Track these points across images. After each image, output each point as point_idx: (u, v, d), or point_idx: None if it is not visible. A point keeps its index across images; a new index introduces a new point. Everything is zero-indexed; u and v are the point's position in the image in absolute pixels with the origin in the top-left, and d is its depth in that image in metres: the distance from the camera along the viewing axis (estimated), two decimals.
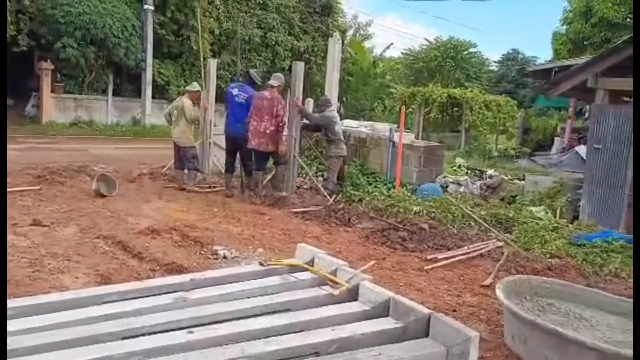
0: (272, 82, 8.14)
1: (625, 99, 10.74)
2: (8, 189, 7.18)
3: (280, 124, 7.91)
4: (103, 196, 7.26)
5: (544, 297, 3.79)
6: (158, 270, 4.48)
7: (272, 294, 3.50)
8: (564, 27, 25.78)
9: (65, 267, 4.36)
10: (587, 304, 3.74)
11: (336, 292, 3.51)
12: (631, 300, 3.82)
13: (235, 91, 8.30)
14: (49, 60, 17.52)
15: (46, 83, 17.66)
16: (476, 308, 4.20)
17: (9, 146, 11.86)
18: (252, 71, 8.92)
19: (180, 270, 4.40)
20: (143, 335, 2.61)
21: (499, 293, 3.47)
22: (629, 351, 2.95)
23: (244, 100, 8.15)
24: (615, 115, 7.89)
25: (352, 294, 3.56)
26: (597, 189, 8.00)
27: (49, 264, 4.40)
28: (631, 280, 5.34)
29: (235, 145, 8.33)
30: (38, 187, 7.56)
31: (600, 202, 7.97)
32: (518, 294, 3.76)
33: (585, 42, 24.20)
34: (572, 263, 5.59)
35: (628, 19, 23.23)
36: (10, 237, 5.03)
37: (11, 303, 2.65)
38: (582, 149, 13.71)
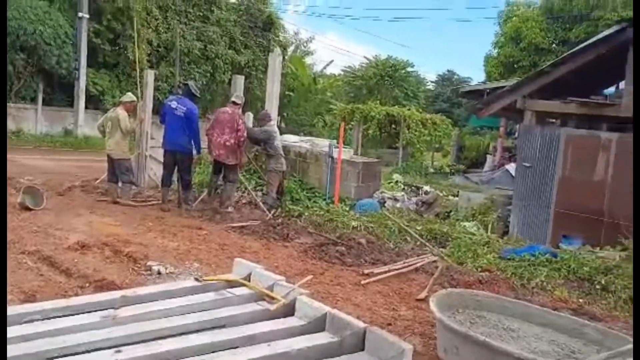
0: (234, 99, 8.43)
1: (551, 120, 11.38)
2: None
3: (241, 139, 8.10)
4: (29, 209, 6.90)
5: (475, 310, 3.90)
6: (87, 287, 4.28)
7: (208, 310, 3.43)
8: (496, 50, 27.07)
9: None
10: (516, 316, 3.88)
11: (273, 308, 3.49)
12: (555, 312, 4.00)
13: (174, 104, 8.13)
14: None
15: None
16: (411, 321, 4.27)
17: None
18: (190, 83, 8.76)
19: (111, 287, 4.23)
20: (67, 356, 2.48)
21: (432, 306, 3.54)
22: None
23: (183, 113, 7.99)
24: (542, 135, 8.32)
25: (289, 309, 3.54)
26: (525, 205, 8.38)
27: None
28: (557, 292, 5.60)
29: (173, 159, 8.15)
30: None
31: (528, 217, 8.35)
32: (451, 307, 3.86)
33: (515, 65, 25.51)
34: (502, 276, 5.80)
35: (554, 45, 24.71)
36: None
37: None
38: (512, 167, 14.35)
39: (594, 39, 8.87)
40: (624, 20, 9.34)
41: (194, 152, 8.27)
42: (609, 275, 5.88)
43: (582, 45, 8.97)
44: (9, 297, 3.87)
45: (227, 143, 8.02)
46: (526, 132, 8.59)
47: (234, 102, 8.32)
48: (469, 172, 17.21)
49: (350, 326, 3.23)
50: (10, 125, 17.54)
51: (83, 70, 18.73)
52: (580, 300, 5.49)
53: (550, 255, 6.60)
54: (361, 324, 3.26)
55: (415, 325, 4.18)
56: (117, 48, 19.65)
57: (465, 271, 5.90)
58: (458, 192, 10.68)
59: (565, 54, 9.06)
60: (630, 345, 3.00)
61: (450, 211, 9.55)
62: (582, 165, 7.92)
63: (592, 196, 7.76)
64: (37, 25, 16.63)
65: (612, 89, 11.34)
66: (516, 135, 18.73)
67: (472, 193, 10.31)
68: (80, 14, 18.34)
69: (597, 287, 5.77)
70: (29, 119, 18.27)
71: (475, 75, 77.52)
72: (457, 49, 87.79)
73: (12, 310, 2.91)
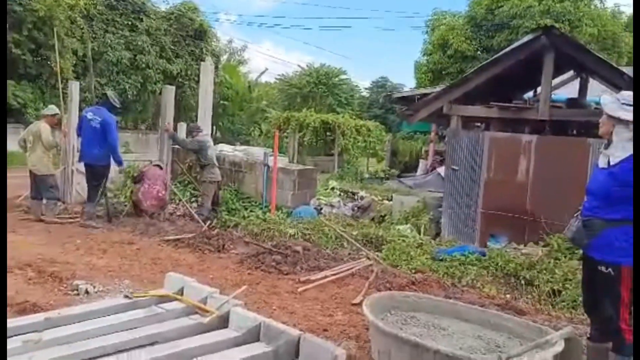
0: (158, 162, 8.96)
1: (477, 124, 11.89)
2: None
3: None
4: None
5: (406, 311, 4.01)
6: (9, 311, 4.06)
7: (138, 327, 3.35)
8: (425, 57, 27.95)
9: None
10: (445, 314, 4.02)
11: (205, 320, 3.45)
12: (481, 308, 4.18)
13: (90, 115, 7.84)
14: None
15: None
16: (346, 326, 4.32)
17: None
18: (109, 93, 8.46)
19: (35, 309, 4.03)
20: None
21: (365, 309, 3.61)
22: (478, 356, 3.23)
23: (98, 124, 7.71)
24: (469, 139, 8.67)
25: (223, 321, 3.51)
26: (454, 206, 8.70)
27: None
28: (485, 289, 5.85)
29: (92, 172, 7.86)
30: None
31: (457, 219, 8.67)
32: (383, 309, 3.95)
33: (443, 72, 26.43)
34: (434, 277, 5.99)
35: (478, 52, 25.80)
36: None
37: None
38: (443, 170, 14.86)
39: (513, 46, 9.37)
40: (540, 27, 9.90)
41: (116, 165, 7.99)
42: (532, 270, 6.21)
43: (502, 53, 9.44)
44: None
45: (160, 194, 8.44)
46: (453, 136, 8.92)
47: (159, 166, 8.82)
48: (403, 177, 17.63)
49: (284, 335, 3.24)
50: None
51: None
52: (507, 295, 5.76)
53: (479, 254, 6.89)
54: (295, 332, 3.28)
55: (350, 329, 4.24)
56: (39, 59, 18.80)
57: (399, 273, 6.04)
58: (392, 196, 10.93)
59: (486, 61, 9.49)
60: (550, 336, 3.18)
61: (385, 215, 9.77)
62: (505, 167, 8.31)
63: (515, 196, 8.16)
64: None
65: (530, 93, 11.98)
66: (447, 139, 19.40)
67: (405, 197, 10.59)
68: None
69: (522, 282, 6.08)
70: None
71: (407, 81, 79.81)
72: (389, 55, 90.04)
73: None
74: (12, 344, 2.85)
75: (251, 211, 9.17)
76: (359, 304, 4.93)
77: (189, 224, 8.13)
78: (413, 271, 6.27)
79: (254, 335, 3.30)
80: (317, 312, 4.68)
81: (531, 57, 8.38)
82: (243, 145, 17.69)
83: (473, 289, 5.83)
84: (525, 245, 7.52)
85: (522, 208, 8.09)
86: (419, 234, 8.44)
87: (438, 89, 15.36)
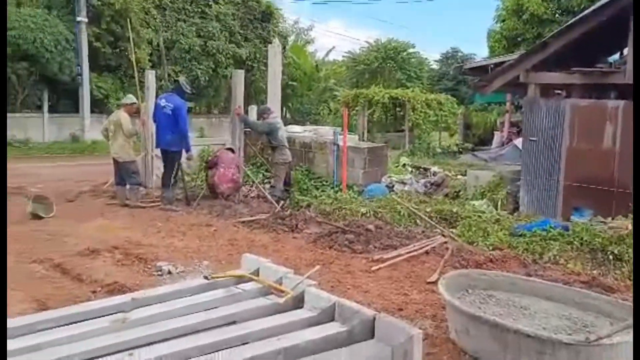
0: (231, 146, 9.07)
1: (557, 91, 11.24)
2: None
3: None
4: (40, 218, 6.97)
5: (484, 289, 3.89)
6: (99, 291, 4.33)
7: (217, 307, 3.45)
8: (498, 24, 26.70)
9: None
10: (526, 293, 3.87)
11: (281, 301, 3.50)
12: (565, 286, 3.98)
13: (162, 102, 8.12)
14: None
15: None
16: (422, 305, 4.26)
17: None
18: (181, 79, 8.70)
19: (122, 290, 4.27)
20: None
21: (441, 289, 3.54)
22: (563, 336, 3.07)
23: (170, 110, 7.94)
24: (547, 108, 8.22)
25: (298, 301, 3.55)
26: (534, 180, 8.31)
27: None
28: (569, 266, 5.57)
29: (167, 157, 8.16)
30: None
31: (537, 192, 8.28)
32: (460, 288, 3.85)
33: (518, 39, 25.15)
34: (513, 253, 5.77)
35: (557, 15, 24.33)
36: None
37: None
38: (520, 142, 14.24)
39: (595, 6, 8.71)
40: None
41: (183, 150, 8.17)
42: (621, 244, 5.83)
43: (584, 13, 8.82)
44: (22, 306, 3.93)
45: (234, 177, 8.62)
46: (530, 105, 8.49)
47: (230, 149, 9.01)
48: (477, 150, 17.08)
49: (359, 314, 3.23)
50: (18, 134, 17.70)
51: (86, 74, 18.81)
52: (594, 272, 5.45)
53: (561, 228, 6.57)
54: (370, 312, 3.26)
55: (426, 308, 4.18)
56: (118, 50, 19.69)
57: (476, 251, 5.88)
58: (466, 171, 10.61)
59: (566, 24, 8.91)
60: None
61: (459, 191, 9.51)
62: (589, 136, 7.82)
63: (601, 166, 7.68)
64: (37, 33, 16.70)
65: (616, 56, 11.14)
66: (523, 109, 18.54)
67: (480, 171, 10.25)
68: (79, 19, 18.38)
69: (610, 257, 5.73)
70: (36, 127, 18.41)
71: (479, 51, 76.67)
72: (459, 26, 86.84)
73: (24, 320, 2.95)
74: (102, 323, 3.02)
75: (322, 191, 9.21)
76: (435, 283, 4.85)
77: (262, 205, 8.29)
78: (490, 248, 6.08)
79: (328, 315, 3.32)
80: (391, 291, 4.65)
81: (617, 16, 7.76)
82: (312, 125, 17.79)
83: (556, 266, 5.58)
84: (612, 219, 7.07)
85: (608, 179, 7.60)
86: (496, 209, 8.16)
87: (513, 56, 14.68)
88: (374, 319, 3.12)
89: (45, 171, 12.32)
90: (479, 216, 7.43)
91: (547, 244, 6.16)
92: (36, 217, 7.00)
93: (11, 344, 2.59)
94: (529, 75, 8.46)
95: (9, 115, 17.71)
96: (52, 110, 18.98)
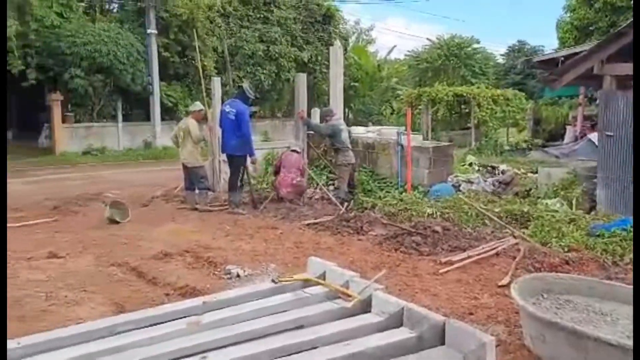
0: (295, 147, 9.10)
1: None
2: (24, 223, 7.30)
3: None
4: (117, 223, 7.32)
5: (561, 294, 3.72)
6: (172, 294, 4.49)
7: (285, 311, 3.49)
8: (568, 14, 25.53)
9: (80, 298, 4.39)
10: (606, 297, 3.66)
11: (349, 305, 3.49)
12: None
13: (227, 108, 8.31)
14: (58, 92, 17.82)
15: (57, 114, 17.96)
16: (494, 309, 4.13)
17: (24, 179, 12.08)
18: (245, 85, 8.84)
19: (194, 293, 4.41)
20: None
21: (514, 293, 3.42)
22: None
23: (234, 116, 8.10)
24: (625, 101, 7.76)
25: (365, 306, 3.53)
26: (611, 176, 7.87)
27: (65, 296, 4.43)
28: None
29: (232, 162, 8.34)
30: (53, 219, 7.66)
31: (616, 189, 7.84)
32: (534, 292, 3.70)
33: (590, 28, 23.93)
34: (590, 255, 5.49)
35: (632, 1, 22.96)
36: (25, 272, 5.10)
37: (21, 341, 2.67)
38: (595, 137, 13.51)
39: None
40: None
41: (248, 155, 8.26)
42: None
43: None
44: (102, 308, 4.14)
45: (294, 181, 8.59)
46: (606, 98, 8.04)
47: (295, 151, 9.02)
48: (547, 146, 16.35)
49: (428, 320, 3.17)
50: (96, 143, 18.71)
51: (156, 84, 19.60)
52: None
53: None
54: (440, 317, 3.19)
55: (498, 313, 4.05)
56: (185, 59, 20.39)
57: (550, 252, 5.63)
58: (537, 168, 10.20)
59: None
60: None
61: (530, 189, 9.15)
62: None
63: None
64: (111, 46, 17.56)
65: None
66: (598, 102, 17.60)
67: (552, 168, 9.81)
68: (149, 31, 19.20)
69: None
70: (111, 136, 19.39)
71: (548, 42, 73.67)
72: (526, 17, 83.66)
73: (105, 322, 3.10)
74: (177, 326, 3.13)
75: (387, 192, 9.12)
76: (507, 286, 4.69)
77: (327, 207, 8.32)
78: (565, 249, 5.82)
79: (397, 320, 3.28)
80: (460, 294, 4.54)
81: None
82: (375, 126, 17.68)
83: None
84: None
85: None
86: (570, 208, 7.79)
87: (585, 47, 13.97)
88: (444, 324, 3.05)
89: (120, 177, 12.94)
90: (552, 216, 7.12)
91: (628, 245, 5.81)
92: (113, 222, 7.36)
93: (92, 347, 2.73)
94: (604, 66, 8.03)
95: (87, 125, 18.82)
96: (125, 119, 19.91)
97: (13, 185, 10.17)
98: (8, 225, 6.01)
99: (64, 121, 18.25)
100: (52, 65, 17.25)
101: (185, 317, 3.36)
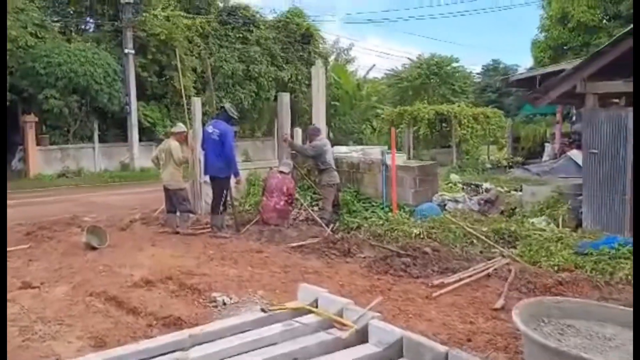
0: (282, 169, 8.74)
1: (614, 100, 10.73)
2: None
3: (289, 200, 8.54)
4: (94, 248, 7.04)
5: (561, 318, 3.59)
6: (155, 325, 4.25)
7: (277, 343, 3.31)
8: (542, 34, 26.07)
9: (56, 332, 4.13)
10: (607, 321, 3.54)
11: (344, 336, 3.33)
12: None
13: (210, 128, 8.15)
14: (32, 113, 17.45)
15: (31, 136, 17.56)
16: (492, 335, 4.00)
17: None
18: (227, 105, 8.66)
19: (178, 323, 4.19)
20: None
21: (515, 319, 3.28)
22: None
23: (217, 136, 7.94)
24: (608, 119, 7.80)
25: (362, 335, 3.37)
26: (597, 194, 7.86)
27: (40, 330, 4.16)
28: None
29: (215, 184, 8.14)
30: (27, 246, 7.33)
31: (602, 207, 7.82)
32: (534, 317, 3.56)
33: (564, 48, 24.46)
34: (582, 275, 5.41)
35: (604, 21, 23.54)
36: None
37: None
38: (574, 154, 13.63)
39: None
40: None
41: (232, 175, 8.10)
42: None
43: None
44: (80, 343, 3.89)
45: (277, 206, 8.33)
46: (590, 116, 8.08)
47: (281, 172, 8.63)
48: (527, 164, 16.48)
49: (429, 350, 3.03)
50: (72, 165, 18.31)
51: (134, 104, 19.34)
52: None
53: (631, 245, 6.14)
54: (441, 347, 3.05)
55: (497, 338, 3.92)
56: (163, 79, 20.22)
57: (542, 272, 5.56)
58: (521, 186, 10.19)
59: (624, 31, 8.48)
60: None
61: (515, 208, 9.10)
62: None
63: None
64: (87, 66, 17.31)
65: None
66: (574, 119, 17.84)
67: (535, 186, 9.81)
68: (126, 50, 18.99)
69: None
70: (87, 157, 19.01)
71: (522, 61, 75.19)
72: (500, 37, 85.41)
73: None
74: None
75: (372, 212, 9.00)
76: (501, 309, 4.58)
77: (312, 229, 8.15)
78: (556, 268, 5.75)
79: (396, 350, 3.13)
80: (455, 319, 4.40)
81: None
82: (356, 145, 17.65)
83: (630, 286, 5.19)
84: None
85: None
86: (557, 226, 7.75)
87: (562, 66, 14.14)
88: (447, 355, 2.91)
89: (97, 200, 12.60)
90: (540, 234, 7.07)
91: (617, 263, 5.78)
92: (90, 247, 7.07)
93: None
94: (586, 85, 8.07)
95: (62, 147, 18.40)
96: (102, 140, 19.57)
97: None
98: None
99: (38, 143, 17.84)
100: (26, 86, 16.91)
101: (171, 351, 3.15)
